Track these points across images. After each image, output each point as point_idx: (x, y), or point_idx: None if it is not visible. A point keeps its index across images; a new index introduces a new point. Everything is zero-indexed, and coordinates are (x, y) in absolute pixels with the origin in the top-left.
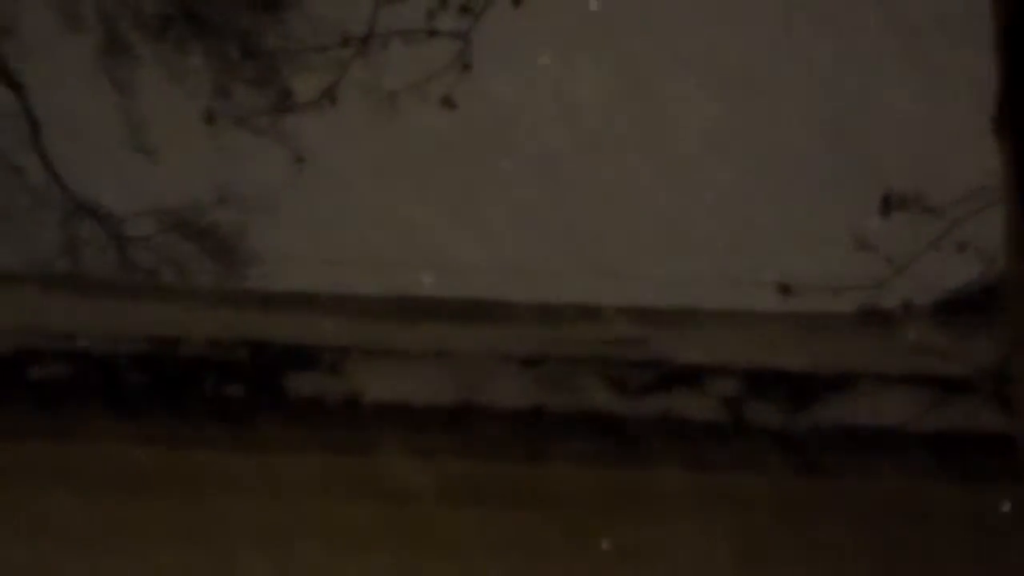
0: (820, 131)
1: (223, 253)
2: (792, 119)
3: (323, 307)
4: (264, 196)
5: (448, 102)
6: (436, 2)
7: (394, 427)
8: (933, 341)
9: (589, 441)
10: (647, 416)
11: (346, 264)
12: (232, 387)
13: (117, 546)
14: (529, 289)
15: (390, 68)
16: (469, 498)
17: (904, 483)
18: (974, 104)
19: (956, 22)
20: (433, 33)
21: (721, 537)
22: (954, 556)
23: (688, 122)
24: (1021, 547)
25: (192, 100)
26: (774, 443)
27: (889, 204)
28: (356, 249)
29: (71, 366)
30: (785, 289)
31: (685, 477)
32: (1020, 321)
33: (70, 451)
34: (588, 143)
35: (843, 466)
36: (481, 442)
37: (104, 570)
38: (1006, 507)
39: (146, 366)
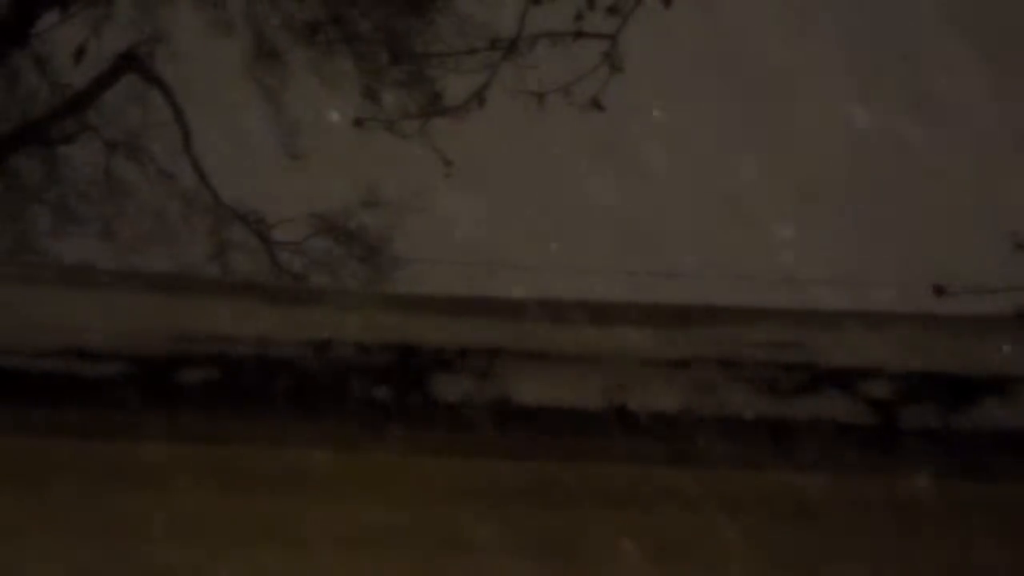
0: (980, 131)
1: (371, 256)
2: (948, 119)
3: (470, 310)
4: (412, 199)
5: (596, 103)
6: (584, 3)
7: (542, 431)
8: None
9: (738, 444)
10: (797, 419)
11: (493, 266)
12: (379, 390)
13: (274, 547)
14: (678, 291)
15: (538, 70)
16: (618, 502)
17: None
18: None
19: None
20: (581, 35)
21: (872, 540)
22: None
23: (836, 122)
24: None
25: (341, 105)
26: (927, 447)
27: None
28: (503, 252)
29: (221, 370)
30: (940, 291)
31: (835, 481)
32: None
33: (221, 454)
34: (734, 145)
35: (998, 470)
36: (629, 446)
37: (264, 570)
38: None
39: (294, 370)
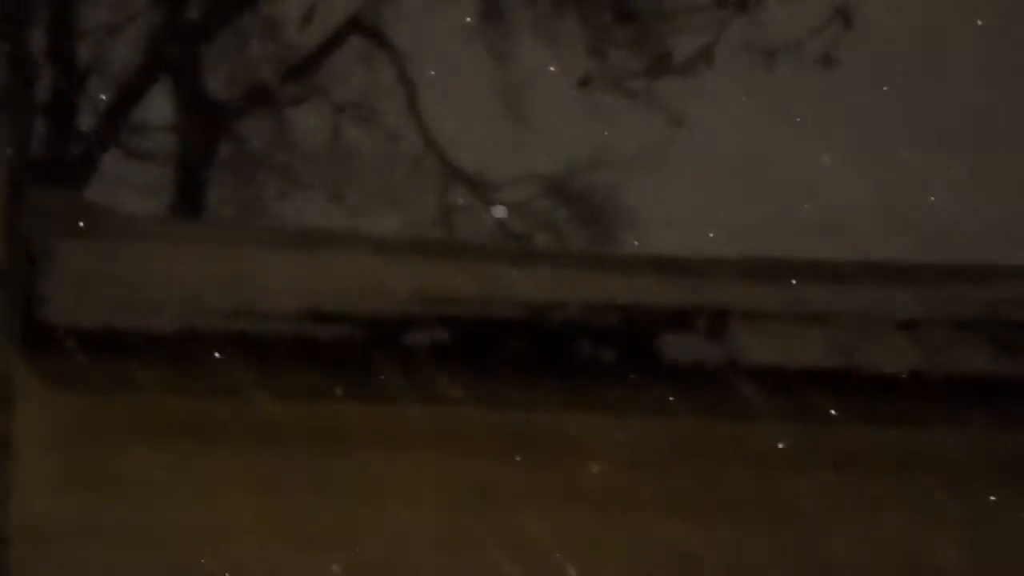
0: None
1: (597, 217)
2: None
3: (699, 270)
4: (639, 159)
5: (827, 60)
6: None
7: (772, 391)
8: None
9: (972, 406)
10: None
11: (722, 226)
12: (606, 352)
13: (500, 509)
14: (909, 249)
15: (767, 27)
16: (847, 462)
17: None
18: None
19: None
20: None
21: None
22: None
23: None
24: None
25: (567, 65)
26: None
27: None
28: (732, 210)
29: (449, 331)
30: None
31: None
32: None
33: (449, 415)
34: (962, 103)
35: None
36: (860, 407)
37: (497, 529)
38: None
39: (521, 332)
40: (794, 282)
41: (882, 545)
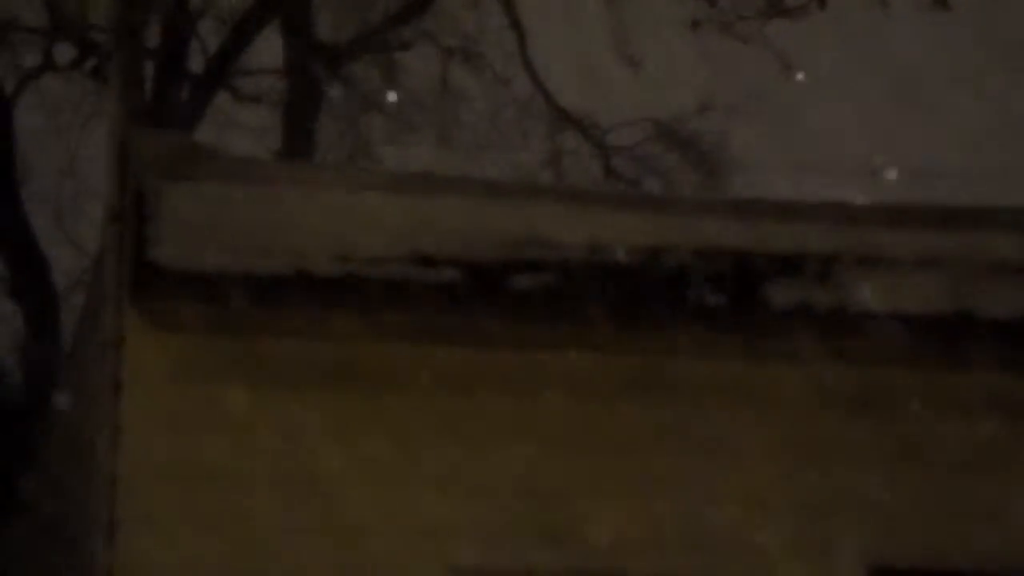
0: None
1: (706, 161)
2: None
3: (808, 215)
4: (749, 103)
5: (941, 2)
6: None
7: (883, 337)
8: None
9: None
10: None
11: (832, 171)
12: (715, 297)
13: (597, 450)
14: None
15: None
16: (959, 409)
17: None
18: None
19: None
20: None
21: None
22: None
23: None
24: None
25: (678, 7)
26: None
27: None
28: (842, 155)
29: (555, 276)
30: None
31: None
32: None
33: (554, 360)
34: None
35: None
36: (974, 352)
37: (595, 471)
38: None
39: (629, 277)
40: (905, 227)
41: (1001, 487)
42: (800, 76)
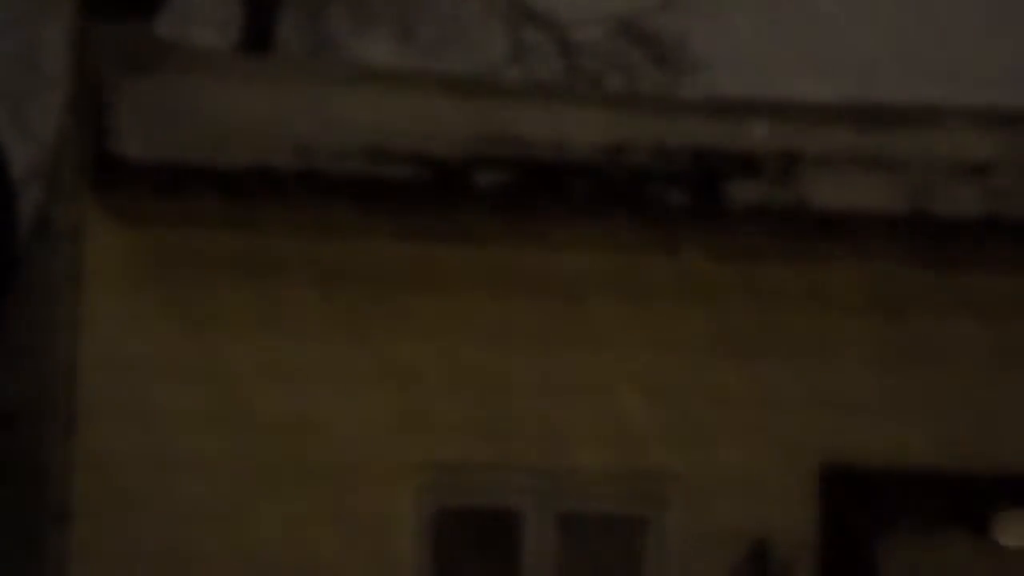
0: None
1: (668, 59)
2: None
3: (769, 113)
4: (709, 1)
5: None
6: None
7: (841, 236)
8: None
9: None
10: None
11: (792, 68)
12: (675, 194)
13: (571, 347)
14: (979, 92)
15: None
16: (914, 307)
17: None
18: None
19: None
20: None
21: None
22: None
23: None
24: None
25: None
26: None
27: None
28: (801, 53)
29: (518, 173)
30: None
31: None
32: None
33: (515, 257)
34: None
35: None
36: (930, 251)
37: (560, 370)
38: None
39: (591, 173)
40: (863, 125)
41: (941, 381)
42: None
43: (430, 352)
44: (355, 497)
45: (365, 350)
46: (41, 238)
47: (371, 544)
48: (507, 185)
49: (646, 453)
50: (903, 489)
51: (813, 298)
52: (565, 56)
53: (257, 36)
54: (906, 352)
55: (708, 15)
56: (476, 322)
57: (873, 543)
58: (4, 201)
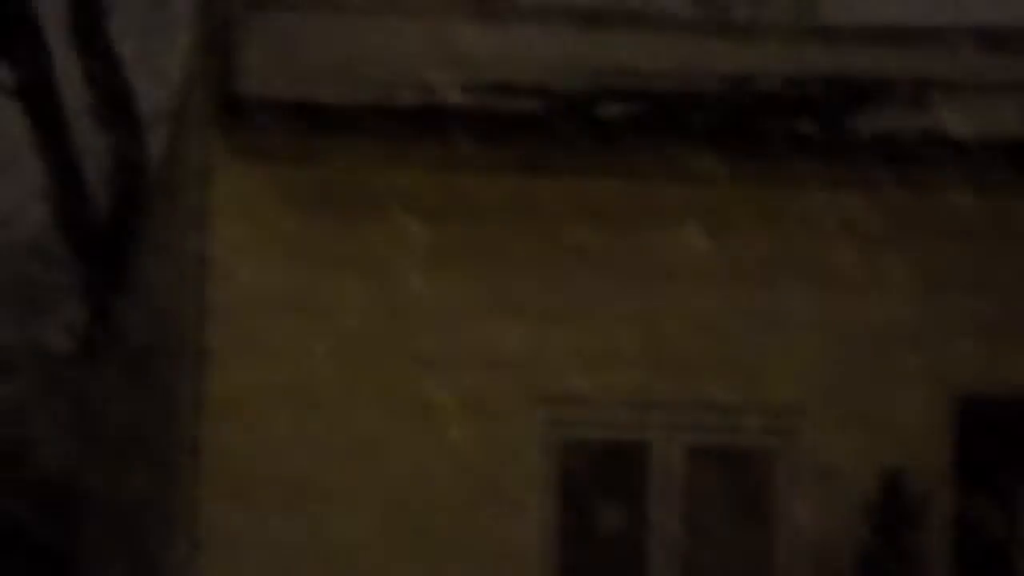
0: None
1: None
2: None
3: (900, 39)
4: None
5: None
6: None
7: (974, 164)
8: None
9: None
10: None
11: None
12: (805, 124)
13: (701, 281)
14: None
15: None
16: None
17: None
18: None
19: None
20: None
21: None
22: None
23: None
24: None
25: None
26: None
27: None
28: None
29: (643, 105)
30: None
31: None
32: None
33: (638, 190)
34: None
35: None
36: None
37: (677, 303)
38: None
39: (718, 105)
40: (995, 50)
41: None
42: None
43: (559, 285)
44: (482, 429)
45: (491, 284)
46: (170, 177)
47: (498, 475)
48: (633, 117)
49: (777, 387)
50: None
51: (943, 228)
52: None
53: None
54: None
55: None
56: (605, 256)
57: (1009, 474)
58: (132, 139)
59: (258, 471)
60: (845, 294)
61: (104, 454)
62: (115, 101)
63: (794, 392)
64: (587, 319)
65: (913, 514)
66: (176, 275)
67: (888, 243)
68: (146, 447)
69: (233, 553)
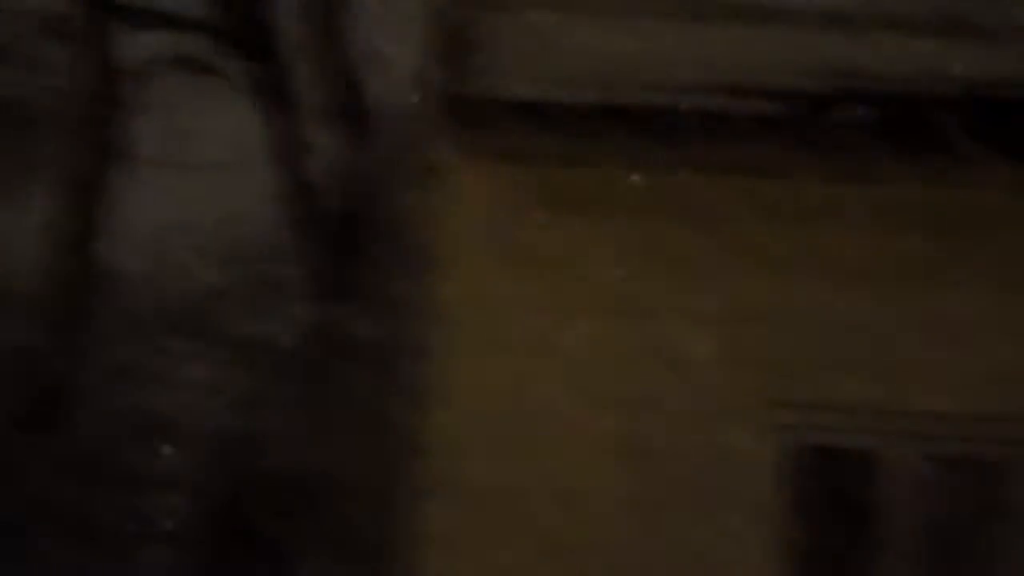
0: None
1: None
2: None
3: None
4: None
5: None
6: None
7: None
8: None
9: None
10: None
11: None
12: None
13: (934, 287)
14: None
15: None
16: None
17: None
18: None
19: None
20: None
21: None
22: None
23: None
24: None
25: None
26: None
27: None
28: None
29: (878, 108)
30: None
31: None
32: None
33: (877, 194)
34: None
35: None
36: None
37: (908, 310)
38: None
39: (959, 108)
40: None
41: None
42: None
43: (789, 290)
44: (713, 434)
45: (718, 287)
46: (401, 176)
47: (729, 481)
48: (867, 121)
49: (1016, 396)
50: None
51: None
52: None
53: None
54: None
55: None
56: (837, 261)
57: None
58: (362, 137)
59: (481, 471)
60: None
61: (332, 449)
62: (348, 100)
63: (983, 399)
64: (820, 325)
65: None
66: (404, 273)
67: None
68: (371, 442)
69: (455, 551)
